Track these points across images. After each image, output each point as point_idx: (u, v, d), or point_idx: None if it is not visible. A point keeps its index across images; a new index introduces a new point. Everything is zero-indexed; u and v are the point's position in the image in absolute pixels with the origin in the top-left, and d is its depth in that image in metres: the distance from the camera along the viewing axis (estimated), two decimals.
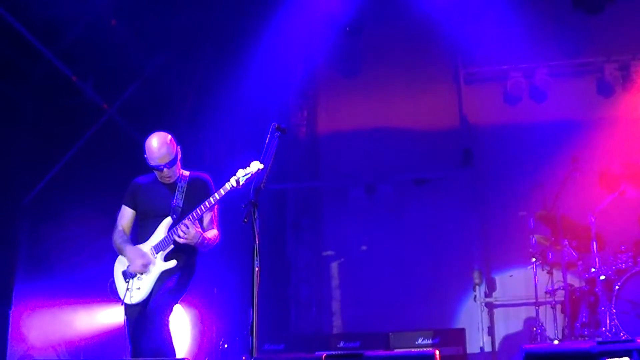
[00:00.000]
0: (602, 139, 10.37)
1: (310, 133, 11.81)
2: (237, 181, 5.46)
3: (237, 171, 5.47)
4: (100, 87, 9.23)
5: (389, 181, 11.13)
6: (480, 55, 11.30)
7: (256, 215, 4.73)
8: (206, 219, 5.98)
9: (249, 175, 5.37)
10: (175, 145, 5.91)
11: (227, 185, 5.55)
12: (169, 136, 5.89)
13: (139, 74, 9.75)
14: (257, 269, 4.63)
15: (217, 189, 5.72)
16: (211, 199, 5.67)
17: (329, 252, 11.37)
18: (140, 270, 5.76)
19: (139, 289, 5.74)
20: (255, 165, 5.31)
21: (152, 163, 5.84)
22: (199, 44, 10.69)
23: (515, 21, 10.95)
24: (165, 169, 5.85)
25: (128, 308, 5.78)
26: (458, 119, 11.17)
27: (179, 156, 5.97)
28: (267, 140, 5.05)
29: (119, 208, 6.14)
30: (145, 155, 5.85)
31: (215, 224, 6.02)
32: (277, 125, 5.08)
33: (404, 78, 11.29)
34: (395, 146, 11.16)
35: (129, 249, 5.85)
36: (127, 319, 5.78)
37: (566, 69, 10.99)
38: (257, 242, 4.68)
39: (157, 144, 5.80)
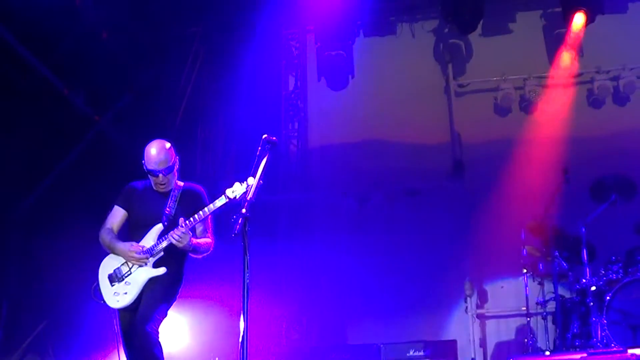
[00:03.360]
0: (593, 150, 10.40)
1: (302, 145, 11.81)
2: (232, 194, 5.46)
3: (233, 184, 5.48)
4: (91, 100, 9.25)
5: (380, 193, 11.12)
6: (470, 67, 11.38)
7: (247, 228, 4.73)
8: (198, 228, 5.99)
9: (244, 190, 5.34)
10: (174, 155, 5.99)
11: (222, 198, 5.56)
12: (169, 144, 5.97)
13: (130, 86, 9.77)
14: (247, 282, 4.62)
15: (211, 201, 5.73)
16: (206, 209, 5.70)
17: (320, 264, 11.33)
18: (137, 262, 5.74)
19: (125, 293, 5.76)
20: (251, 181, 5.28)
21: (149, 167, 5.87)
22: (190, 57, 10.72)
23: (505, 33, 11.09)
24: (160, 175, 5.88)
25: (120, 312, 5.81)
26: (449, 130, 11.18)
27: (177, 166, 6.03)
28: (258, 153, 5.06)
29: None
30: (143, 161, 5.89)
31: (210, 232, 6.03)
32: (267, 138, 5.09)
33: (395, 90, 11.31)
34: (387, 158, 11.15)
35: (120, 244, 5.84)
36: (119, 321, 5.81)
37: (556, 80, 11.03)
38: (247, 255, 4.67)
39: (157, 149, 5.89)
